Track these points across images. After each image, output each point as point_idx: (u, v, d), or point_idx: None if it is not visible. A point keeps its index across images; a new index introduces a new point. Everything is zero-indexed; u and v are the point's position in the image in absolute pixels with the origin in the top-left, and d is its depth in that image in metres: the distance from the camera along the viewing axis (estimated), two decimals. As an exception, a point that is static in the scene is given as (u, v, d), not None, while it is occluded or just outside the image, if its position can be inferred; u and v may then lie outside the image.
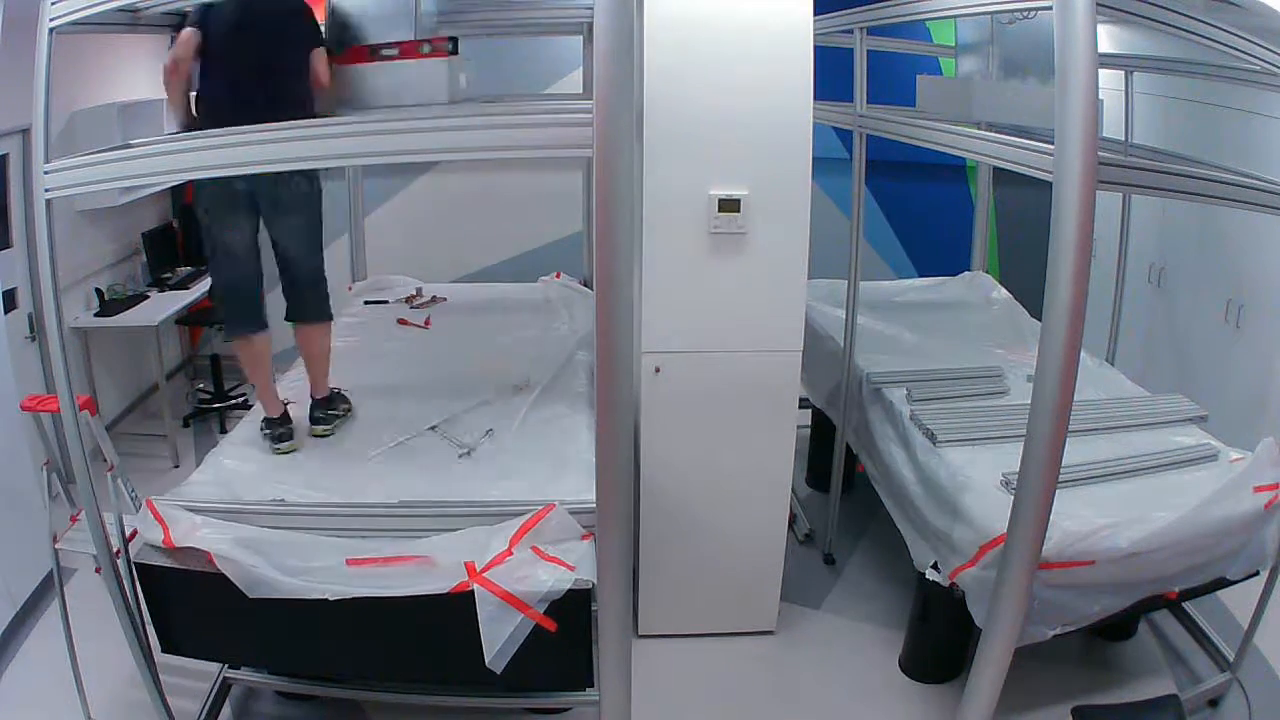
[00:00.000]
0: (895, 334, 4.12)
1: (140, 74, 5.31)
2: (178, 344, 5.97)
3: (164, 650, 2.51)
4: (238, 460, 2.84)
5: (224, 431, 5.30)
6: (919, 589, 3.08)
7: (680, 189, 2.90)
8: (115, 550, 2.50)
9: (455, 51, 2.73)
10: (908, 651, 3.23)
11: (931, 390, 3.44)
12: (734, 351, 3.06)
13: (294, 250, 2.92)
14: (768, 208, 2.92)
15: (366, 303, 4.49)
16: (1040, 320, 2.15)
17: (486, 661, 2.26)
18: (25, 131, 4.08)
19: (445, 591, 2.21)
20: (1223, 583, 2.85)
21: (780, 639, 3.43)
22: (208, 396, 5.47)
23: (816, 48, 2.83)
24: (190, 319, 5.45)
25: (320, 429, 2.98)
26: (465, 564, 2.23)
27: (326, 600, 2.20)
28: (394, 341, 3.96)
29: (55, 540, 2.68)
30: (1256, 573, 2.84)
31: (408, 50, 2.68)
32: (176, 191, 5.72)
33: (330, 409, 3.03)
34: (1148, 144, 4.03)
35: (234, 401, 5.43)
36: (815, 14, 2.81)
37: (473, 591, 2.21)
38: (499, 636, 2.24)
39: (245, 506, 2.43)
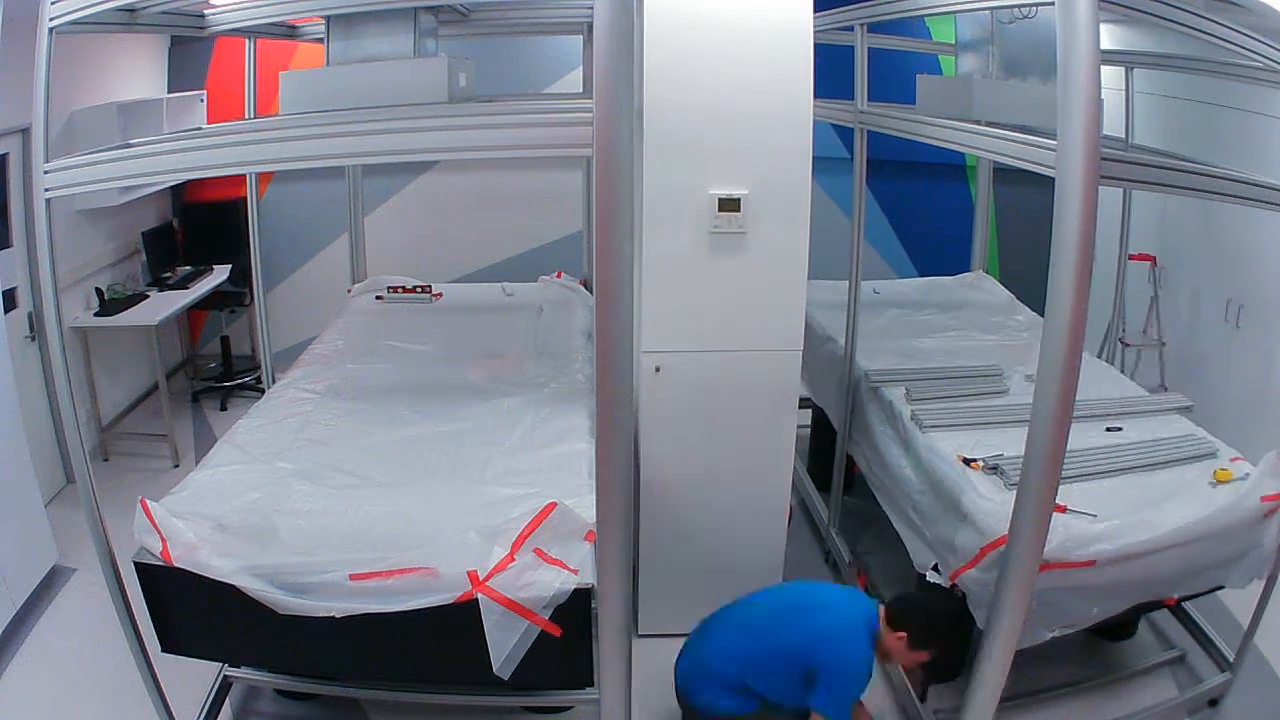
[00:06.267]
0: (895, 334, 4.11)
1: (140, 74, 5.32)
2: (178, 343, 5.98)
3: (164, 650, 2.50)
4: (239, 452, 2.84)
5: (224, 409, 5.51)
6: (919, 589, 3.07)
7: (680, 189, 2.90)
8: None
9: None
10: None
11: (930, 389, 3.44)
12: (734, 351, 3.06)
13: None
14: (768, 207, 2.91)
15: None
16: (1041, 318, 2.15)
17: (494, 669, 2.26)
18: (25, 131, 4.08)
19: (449, 603, 2.21)
20: (1222, 586, 2.85)
21: (780, 639, 3.42)
22: (214, 375, 5.75)
23: (816, 45, 2.83)
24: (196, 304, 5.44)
25: None
26: (468, 573, 2.22)
27: None
28: (397, 341, 3.96)
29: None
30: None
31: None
32: (176, 191, 5.74)
33: None
34: (1148, 144, 4.03)
35: (240, 382, 5.69)
36: (815, 11, 2.81)
37: (477, 600, 2.21)
38: (506, 644, 2.25)
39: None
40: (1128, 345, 4.64)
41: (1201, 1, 2.45)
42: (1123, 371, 4.13)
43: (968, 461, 2.87)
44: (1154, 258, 4.60)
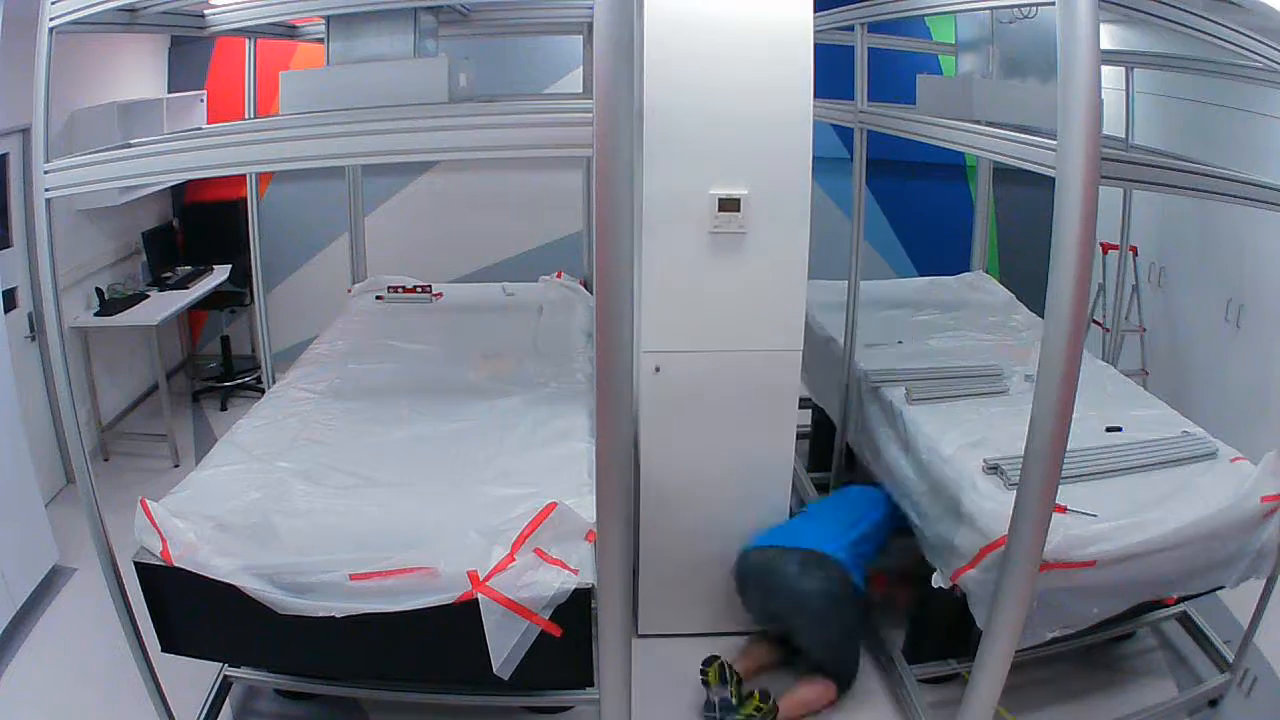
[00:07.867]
0: (895, 334, 4.11)
1: (140, 74, 5.32)
2: (178, 342, 5.98)
3: (164, 650, 2.50)
4: (239, 452, 2.84)
5: (224, 409, 5.53)
6: (919, 589, 3.07)
7: (680, 189, 2.90)
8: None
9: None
10: (908, 651, 3.22)
11: (931, 389, 3.44)
12: (734, 351, 3.06)
13: None
14: (768, 207, 2.92)
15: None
16: (1040, 319, 2.15)
17: (494, 669, 2.26)
18: (25, 131, 4.08)
19: (449, 603, 2.21)
20: (1222, 586, 2.85)
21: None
22: (214, 375, 5.81)
23: (816, 45, 2.83)
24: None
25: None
26: (468, 573, 2.22)
27: None
28: (397, 340, 3.96)
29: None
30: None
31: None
32: (176, 191, 5.74)
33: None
34: (1148, 144, 4.03)
35: (240, 381, 5.73)
36: (815, 11, 2.81)
37: (477, 600, 2.21)
38: (506, 644, 2.25)
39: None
40: (1097, 324, 4.80)
41: (1201, 1, 2.45)
42: (1103, 356, 4.14)
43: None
44: (1135, 247, 4.61)
